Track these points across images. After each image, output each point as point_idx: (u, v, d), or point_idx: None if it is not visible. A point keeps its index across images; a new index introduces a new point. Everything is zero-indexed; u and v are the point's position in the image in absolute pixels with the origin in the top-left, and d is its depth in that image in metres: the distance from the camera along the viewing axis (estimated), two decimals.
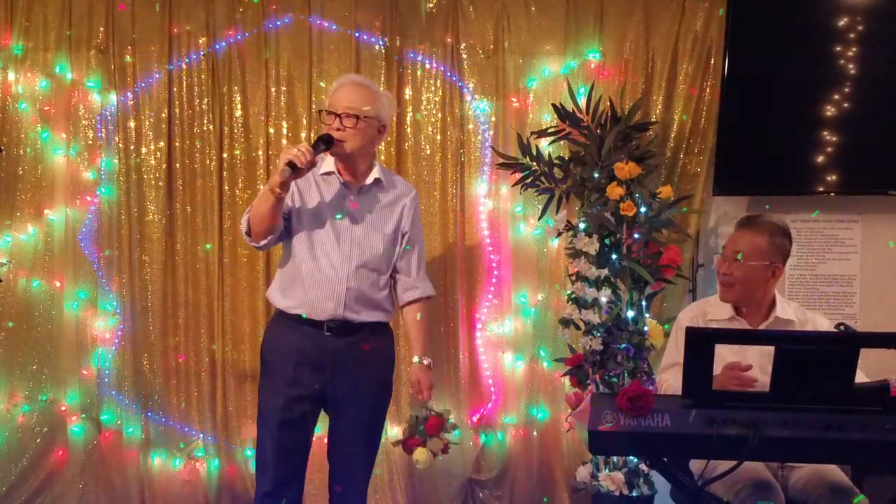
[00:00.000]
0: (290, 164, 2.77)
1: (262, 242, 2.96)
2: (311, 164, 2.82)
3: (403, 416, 3.95)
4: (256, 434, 3.04)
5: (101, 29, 4.01)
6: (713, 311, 3.05)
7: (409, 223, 3.09)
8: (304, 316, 2.93)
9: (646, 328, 3.76)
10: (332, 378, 2.96)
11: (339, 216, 2.96)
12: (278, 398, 2.94)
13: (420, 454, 3.10)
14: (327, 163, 3.02)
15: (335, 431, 3.04)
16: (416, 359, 3.11)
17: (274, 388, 2.97)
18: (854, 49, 3.89)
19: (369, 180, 3.03)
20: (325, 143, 2.89)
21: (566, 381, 3.93)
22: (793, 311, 3.02)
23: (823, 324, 3.06)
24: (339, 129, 2.91)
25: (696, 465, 2.80)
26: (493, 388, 4.14)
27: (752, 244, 2.95)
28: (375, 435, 3.10)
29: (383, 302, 3.05)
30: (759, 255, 2.93)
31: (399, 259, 3.09)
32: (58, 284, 4.04)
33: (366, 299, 2.98)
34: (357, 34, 4.05)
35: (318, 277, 2.93)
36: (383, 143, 4.08)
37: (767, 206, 4.03)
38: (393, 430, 3.96)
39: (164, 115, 4.04)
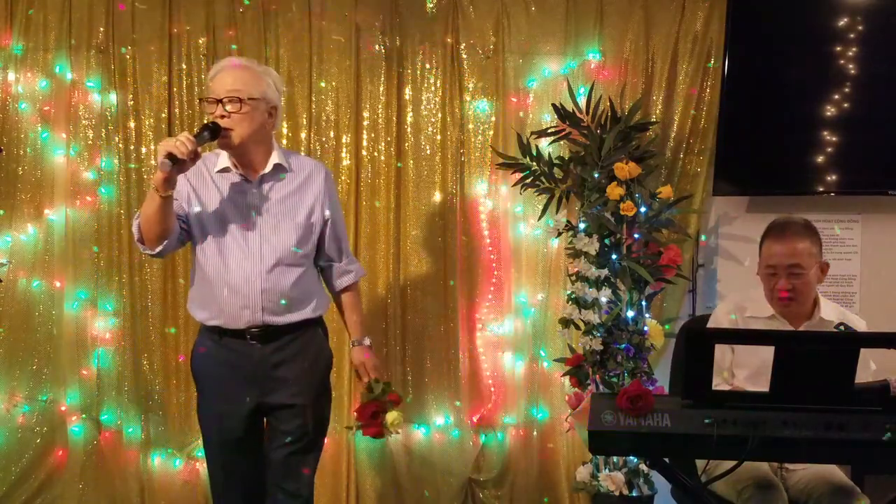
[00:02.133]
0: (170, 157, 2.51)
1: (158, 249, 2.70)
2: (195, 155, 2.57)
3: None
4: (206, 459, 2.91)
5: (101, 29, 4.01)
6: (753, 307, 2.99)
7: (328, 204, 2.85)
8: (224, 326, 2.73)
9: (646, 328, 3.76)
10: (264, 389, 2.76)
11: (243, 213, 2.73)
12: (215, 418, 2.78)
13: (395, 416, 2.83)
14: (222, 159, 2.77)
15: (273, 444, 2.82)
16: (358, 341, 2.94)
17: (209, 408, 2.81)
18: (854, 49, 3.89)
19: (268, 168, 2.77)
20: (209, 130, 2.63)
21: (566, 381, 3.93)
22: (832, 310, 2.99)
23: (861, 324, 3.01)
24: (223, 117, 2.66)
25: (697, 464, 2.80)
26: (493, 388, 4.14)
27: (805, 251, 2.87)
28: (317, 447, 2.88)
29: (310, 297, 2.81)
30: (812, 259, 2.88)
31: (323, 245, 2.87)
32: (58, 284, 4.04)
33: (288, 298, 2.75)
34: (357, 34, 4.05)
35: (229, 283, 2.70)
36: (383, 143, 4.08)
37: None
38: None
39: (164, 115, 4.03)
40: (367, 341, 2.96)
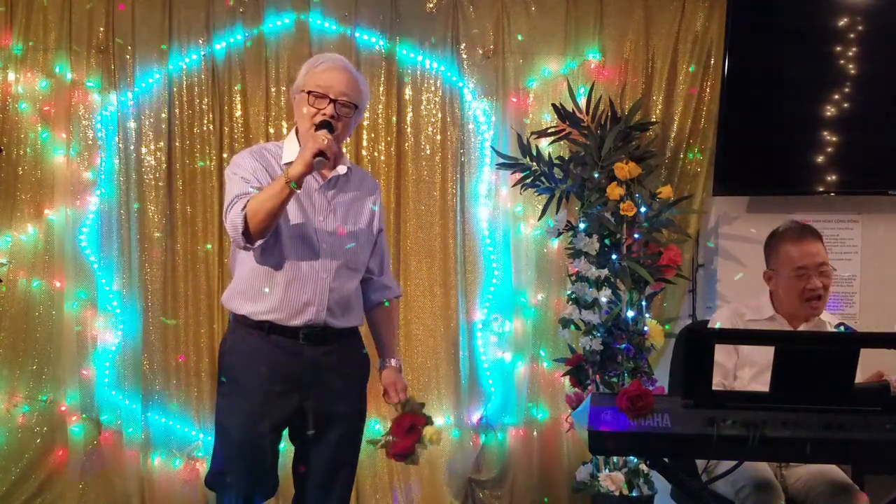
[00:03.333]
0: (322, 154, 2.46)
1: (259, 243, 2.58)
2: (335, 153, 2.57)
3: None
4: (216, 463, 2.72)
5: (101, 29, 4.01)
6: (751, 311, 3.04)
7: (380, 216, 2.83)
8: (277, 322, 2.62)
9: (646, 328, 3.76)
10: (309, 392, 2.64)
11: (312, 211, 2.67)
12: (249, 421, 2.62)
13: (434, 430, 2.73)
14: (290, 152, 2.67)
15: (311, 454, 2.71)
16: (391, 361, 2.85)
17: (242, 410, 2.63)
18: (854, 49, 3.89)
19: (341, 171, 2.71)
20: (330, 130, 2.56)
21: (566, 381, 3.93)
22: (825, 311, 3.04)
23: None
24: (332, 117, 2.60)
25: (697, 464, 2.80)
26: (493, 388, 4.14)
27: (823, 252, 2.97)
28: (356, 454, 2.82)
29: (359, 305, 2.78)
30: (827, 260, 2.98)
31: (370, 258, 2.82)
32: (58, 284, 4.03)
33: (346, 302, 2.69)
34: (357, 34, 4.05)
35: (298, 279, 2.62)
36: (383, 143, 4.09)
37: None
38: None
39: (164, 115, 4.04)
40: (395, 362, 2.86)
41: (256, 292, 2.66)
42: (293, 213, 2.65)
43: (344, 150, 2.83)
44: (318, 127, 2.56)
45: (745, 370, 2.97)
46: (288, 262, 2.63)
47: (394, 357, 2.86)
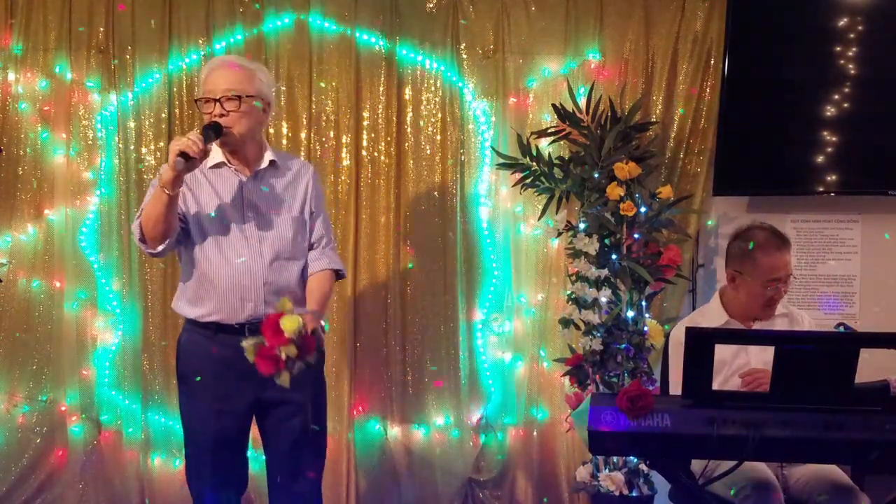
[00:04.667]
0: (183, 155, 2.53)
1: (160, 248, 2.70)
2: (205, 153, 2.62)
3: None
4: (186, 462, 2.84)
5: (101, 29, 4.01)
6: (706, 320, 3.07)
7: (314, 200, 2.89)
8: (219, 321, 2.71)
9: (646, 328, 3.76)
10: (263, 384, 2.66)
11: (240, 208, 2.76)
12: (208, 416, 2.73)
13: (289, 320, 2.50)
14: (215, 154, 2.78)
15: (275, 446, 2.82)
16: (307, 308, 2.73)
17: (201, 406, 2.75)
18: (854, 49, 3.89)
19: (264, 164, 2.81)
20: (214, 131, 2.65)
21: (566, 381, 3.93)
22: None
23: (805, 316, 3.15)
24: (222, 116, 2.70)
25: (696, 465, 2.80)
26: (493, 388, 4.14)
27: (790, 261, 3.02)
28: (322, 441, 2.88)
29: (303, 291, 2.84)
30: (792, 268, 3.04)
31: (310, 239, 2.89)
32: (58, 284, 4.03)
33: (286, 293, 2.74)
34: (357, 34, 4.05)
35: (231, 278, 2.72)
36: (383, 143, 4.09)
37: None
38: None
39: (164, 115, 4.04)
40: (318, 315, 2.73)
41: (197, 297, 2.77)
42: (219, 212, 2.74)
43: (265, 141, 2.92)
44: (204, 129, 2.64)
45: (716, 377, 2.96)
46: (219, 263, 2.73)
47: (313, 309, 2.74)
